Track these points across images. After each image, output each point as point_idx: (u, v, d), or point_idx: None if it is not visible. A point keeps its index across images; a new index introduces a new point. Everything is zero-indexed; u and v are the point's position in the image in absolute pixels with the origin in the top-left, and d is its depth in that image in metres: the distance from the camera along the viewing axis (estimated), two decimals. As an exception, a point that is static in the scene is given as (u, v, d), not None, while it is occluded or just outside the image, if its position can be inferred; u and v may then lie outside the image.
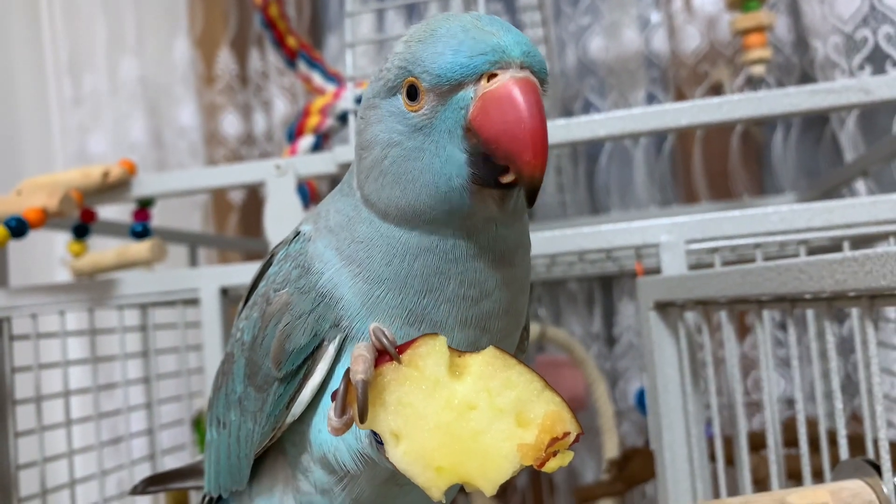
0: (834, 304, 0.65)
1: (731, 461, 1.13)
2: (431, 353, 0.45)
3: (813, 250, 0.93)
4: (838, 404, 0.66)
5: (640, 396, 1.57)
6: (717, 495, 0.90)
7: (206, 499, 0.64)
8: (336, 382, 0.52)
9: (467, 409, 0.44)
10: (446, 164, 0.48)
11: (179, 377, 1.30)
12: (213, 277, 1.04)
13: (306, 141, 1.25)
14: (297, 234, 0.57)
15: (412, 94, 0.49)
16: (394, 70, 0.50)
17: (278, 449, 0.57)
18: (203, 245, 1.65)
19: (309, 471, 0.54)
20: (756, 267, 0.71)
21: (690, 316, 0.87)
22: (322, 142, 1.27)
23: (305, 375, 0.53)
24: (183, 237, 1.51)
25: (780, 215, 0.90)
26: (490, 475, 0.43)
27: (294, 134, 1.28)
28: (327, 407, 0.52)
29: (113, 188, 1.04)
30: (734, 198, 1.72)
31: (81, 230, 1.10)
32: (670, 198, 1.77)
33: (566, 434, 0.44)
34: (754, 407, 1.65)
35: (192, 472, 0.73)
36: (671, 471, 0.87)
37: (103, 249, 1.15)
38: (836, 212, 0.89)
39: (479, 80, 0.47)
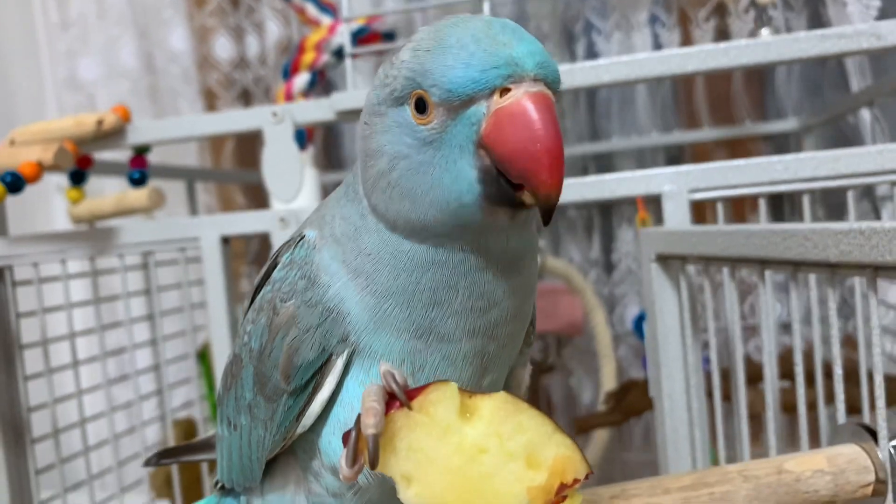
0: (837, 272, 0.64)
1: (728, 397, 1.15)
2: (442, 400, 0.45)
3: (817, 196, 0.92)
4: (838, 370, 0.67)
5: (638, 322, 1.59)
6: (713, 432, 0.93)
7: (219, 485, 0.65)
8: (346, 395, 0.52)
9: (478, 453, 0.44)
10: (457, 181, 0.46)
11: (182, 312, 1.32)
12: (214, 226, 1.03)
13: (302, 78, 1.23)
14: (302, 237, 0.56)
15: (421, 106, 0.47)
16: (401, 80, 0.48)
17: (290, 452, 0.58)
18: (200, 179, 1.64)
19: (320, 475, 0.55)
20: (760, 229, 0.71)
21: (692, 269, 0.87)
22: (318, 79, 1.24)
23: (314, 389, 0.52)
24: (180, 173, 1.50)
25: (785, 164, 0.89)
26: None
27: (289, 71, 1.25)
28: (337, 418, 0.53)
29: (107, 136, 1.02)
30: (736, 123, 1.70)
31: (78, 176, 1.09)
32: (671, 123, 1.75)
33: (576, 481, 0.44)
34: (750, 331, 1.67)
35: (204, 446, 0.74)
36: (669, 418, 0.89)
37: (102, 195, 1.14)
38: (843, 160, 0.88)
39: (491, 94, 0.45)
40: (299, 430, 0.54)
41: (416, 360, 0.51)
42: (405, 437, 0.45)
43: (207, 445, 0.73)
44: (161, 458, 0.75)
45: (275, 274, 0.56)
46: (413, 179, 0.48)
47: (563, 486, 0.44)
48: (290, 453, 0.58)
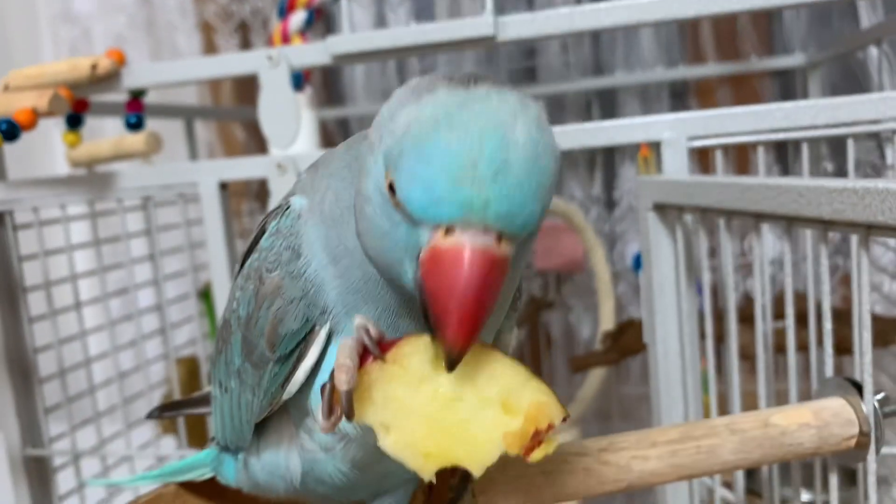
0: (830, 228, 0.65)
1: (721, 338, 1.17)
2: (415, 352, 0.46)
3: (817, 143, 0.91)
4: (828, 325, 0.68)
5: (638, 259, 1.60)
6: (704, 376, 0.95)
7: (216, 441, 0.67)
8: (329, 363, 0.53)
9: (453, 401, 0.45)
10: (402, 268, 0.45)
11: (183, 252, 1.33)
12: (212, 171, 1.03)
13: (298, 17, 1.20)
14: (288, 206, 0.55)
15: (393, 187, 0.43)
16: (381, 150, 0.45)
17: (283, 410, 0.59)
18: (200, 118, 1.62)
19: (313, 431, 0.56)
20: (755, 183, 0.71)
21: (689, 218, 0.87)
22: (314, 17, 1.22)
23: (299, 357, 0.53)
24: (178, 112, 1.49)
25: (785, 112, 0.88)
26: (477, 459, 0.44)
27: (285, 9, 1.22)
28: (322, 382, 0.54)
29: (102, 80, 1.01)
30: (742, 58, 1.67)
31: (75, 120, 1.08)
32: (677, 58, 1.72)
33: (550, 427, 0.45)
34: (747, 269, 1.68)
35: (204, 400, 0.76)
36: (663, 365, 0.91)
37: (103, 135, 1.14)
38: (844, 108, 0.87)
39: (437, 228, 0.42)
40: (284, 396, 0.55)
41: None
42: (381, 388, 0.45)
43: (206, 400, 0.75)
44: (164, 410, 0.76)
45: (262, 242, 0.56)
46: (381, 245, 0.46)
47: (538, 432, 0.44)
48: (283, 412, 0.59)
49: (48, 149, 1.86)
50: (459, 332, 0.42)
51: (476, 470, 0.44)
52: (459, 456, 0.44)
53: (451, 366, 0.44)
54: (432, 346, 0.46)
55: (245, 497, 0.71)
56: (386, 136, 0.44)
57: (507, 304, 0.56)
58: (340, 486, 0.57)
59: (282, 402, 0.56)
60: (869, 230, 0.60)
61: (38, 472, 1.15)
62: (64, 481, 1.19)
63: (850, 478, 1.11)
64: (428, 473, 0.44)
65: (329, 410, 0.46)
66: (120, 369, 1.22)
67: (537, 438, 0.44)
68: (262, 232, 0.57)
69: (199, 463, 0.69)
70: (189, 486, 0.69)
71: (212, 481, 0.70)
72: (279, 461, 0.59)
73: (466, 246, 0.41)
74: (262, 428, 0.60)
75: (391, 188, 0.43)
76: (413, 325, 0.50)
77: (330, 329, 0.52)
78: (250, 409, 0.58)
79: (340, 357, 0.46)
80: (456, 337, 0.42)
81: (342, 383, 0.45)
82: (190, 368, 1.48)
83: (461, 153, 0.41)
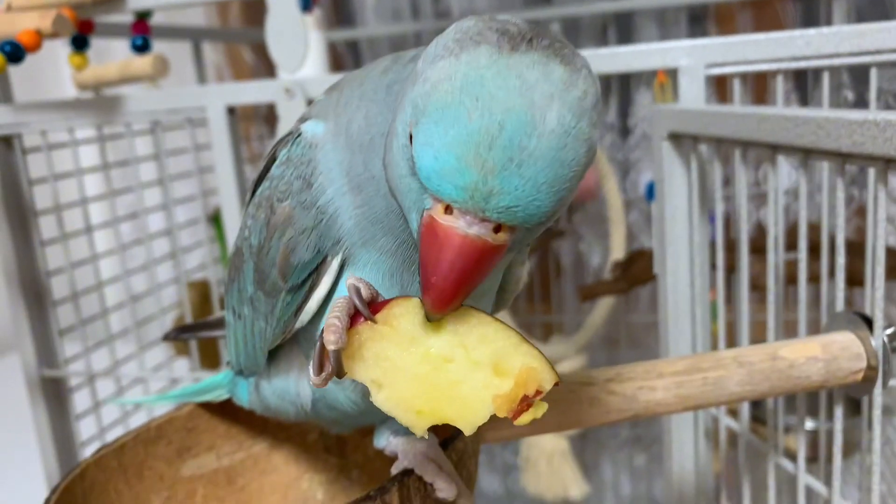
0: (848, 161, 0.63)
1: (732, 269, 1.16)
2: (405, 313, 0.46)
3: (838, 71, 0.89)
4: (840, 259, 0.67)
5: (651, 188, 1.59)
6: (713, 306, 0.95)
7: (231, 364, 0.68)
8: (342, 294, 0.53)
9: (444, 362, 0.45)
10: (413, 223, 0.45)
11: (192, 177, 1.32)
12: (219, 96, 1.02)
13: (307, -66, 1.16)
14: (300, 134, 0.53)
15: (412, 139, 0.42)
16: (413, 94, 0.42)
17: (293, 341, 0.59)
18: (207, 39, 1.59)
19: None
20: (773, 113, 0.69)
21: (704, 148, 0.86)
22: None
23: (311, 287, 0.53)
24: (186, 33, 1.46)
25: (807, 39, 0.85)
26: (468, 419, 0.45)
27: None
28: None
29: (107, 1, 0.99)
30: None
31: (80, 42, 1.06)
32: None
33: (539, 392, 0.45)
34: (761, 199, 1.66)
35: (220, 323, 0.76)
36: (672, 295, 0.91)
37: (109, 58, 1.12)
38: (868, 36, 0.84)
39: (438, 200, 0.41)
40: (297, 325, 0.55)
41: (403, 280, 0.51)
42: (371, 347, 0.46)
43: (221, 323, 0.75)
44: (179, 333, 0.77)
45: (273, 170, 0.55)
46: (396, 177, 0.45)
47: (527, 396, 0.45)
48: (293, 342, 0.59)
49: (55, 72, 1.84)
50: (438, 301, 0.43)
51: (467, 429, 0.45)
52: (450, 415, 0.45)
53: (430, 319, 0.45)
54: (422, 307, 0.46)
55: (257, 420, 0.72)
56: (420, 82, 0.42)
57: (505, 265, 0.56)
58: (351, 412, 0.58)
59: (294, 331, 0.56)
60: (888, 164, 0.59)
61: (54, 392, 1.18)
62: (80, 402, 1.22)
63: (853, 407, 1.12)
64: (420, 430, 0.45)
65: (319, 367, 0.46)
66: (132, 293, 1.23)
67: (526, 402, 0.45)
68: (272, 159, 0.56)
69: (215, 384, 0.70)
70: (203, 409, 0.70)
71: (224, 405, 0.71)
72: (289, 388, 0.60)
73: (459, 231, 0.40)
74: (273, 355, 0.61)
75: (411, 139, 0.42)
76: None
77: (343, 259, 0.52)
78: (263, 336, 0.58)
79: (330, 317, 0.46)
80: (434, 304, 0.43)
81: (330, 343, 0.45)
82: (202, 292, 1.50)
83: (477, 132, 0.38)
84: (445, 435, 0.56)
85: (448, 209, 0.41)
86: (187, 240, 1.45)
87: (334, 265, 0.52)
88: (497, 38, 0.40)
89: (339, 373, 0.46)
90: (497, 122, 0.38)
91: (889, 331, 0.64)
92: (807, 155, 0.67)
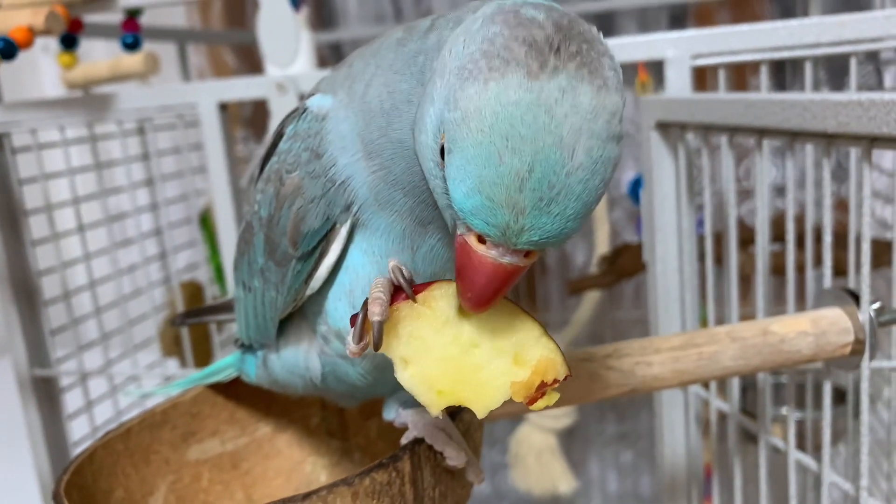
0: (834, 143, 0.65)
1: (720, 260, 1.19)
2: (445, 296, 0.48)
3: (820, 61, 0.91)
4: (827, 237, 0.69)
5: (633, 186, 1.61)
6: (704, 294, 0.96)
7: (239, 342, 0.69)
8: (350, 262, 0.55)
9: (471, 346, 0.48)
10: (447, 216, 0.47)
11: (183, 177, 1.32)
12: (211, 92, 1.03)
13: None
14: (305, 109, 0.55)
15: (443, 153, 0.43)
16: (442, 97, 0.43)
17: (301, 315, 0.61)
18: (192, 41, 1.60)
19: (329, 340, 0.58)
20: (760, 98, 0.71)
21: (691, 137, 0.88)
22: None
23: (321, 255, 0.54)
24: (171, 35, 1.46)
25: (789, 30, 0.88)
26: (483, 402, 0.47)
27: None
28: (342, 283, 0.55)
29: (97, -2, 1.00)
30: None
31: (70, 41, 1.07)
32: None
33: (555, 381, 0.48)
34: (745, 194, 1.69)
35: (223, 307, 0.78)
36: (662, 281, 0.92)
37: (91, 60, 1.12)
38: (848, 26, 0.87)
39: (471, 229, 0.43)
40: (308, 292, 0.57)
41: (414, 241, 0.53)
42: (407, 325, 0.48)
43: (227, 307, 0.77)
44: (187, 317, 0.79)
45: (280, 145, 0.57)
46: (426, 169, 0.47)
47: (543, 385, 0.47)
48: (301, 317, 0.61)
49: (36, 74, 1.83)
50: (476, 308, 0.46)
51: (480, 412, 0.47)
52: (468, 397, 0.47)
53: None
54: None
55: (261, 405, 0.73)
56: (450, 99, 0.42)
57: None
58: (361, 385, 0.59)
59: (305, 299, 0.57)
60: (872, 142, 0.61)
61: (46, 392, 1.17)
62: (72, 402, 1.22)
63: (839, 397, 1.15)
64: (436, 409, 0.47)
65: (360, 337, 0.48)
66: (122, 292, 1.23)
67: (541, 390, 0.48)
68: (279, 136, 0.57)
69: (225, 365, 0.72)
70: (207, 394, 0.71)
71: (228, 391, 0.72)
72: (298, 361, 0.61)
73: (491, 260, 0.43)
74: (282, 330, 0.62)
75: (442, 152, 0.43)
76: (442, 216, 0.51)
77: (353, 226, 0.53)
78: (274, 305, 0.59)
79: (374, 291, 0.48)
80: (472, 309, 0.46)
81: (375, 315, 0.47)
82: (192, 292, 1.50)
83: (508, 174, 0.40)
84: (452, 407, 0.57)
85: (481, 238, 0.43)
86: (177, 240, 1.46)
87: (343, 232, 0.53)
88: (524, 54, 0.40)
89: (378, 344, 0.47)
90: (527, 164, 0.40)
91: (875, 305, 0.66)
92: (793, 138, 0.69)
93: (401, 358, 0.48)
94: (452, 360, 0.47)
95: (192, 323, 0.81)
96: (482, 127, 0.40)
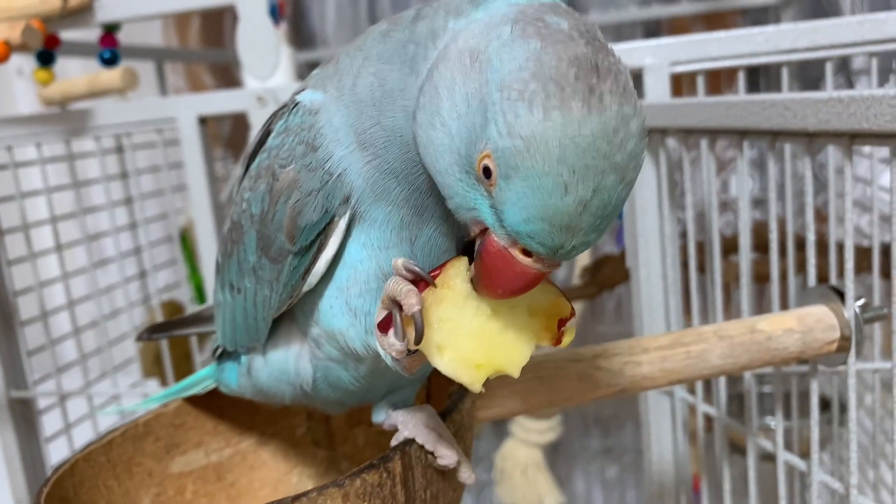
0: (815, 141, 0.66)
1: (703, 269, 1.19)
2: (458, 273, 0.49)
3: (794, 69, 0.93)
4: (810, 236, 0.70)
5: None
6: (687, 302, 0.97)
7: (219, 350, 0.68)
8: (348, 257, 0.54)
9: (492, 313, 0.49)
10: (462, 214, 0.48)
11: (160, 196, 1.31)
12: (191, 106, 1.02)
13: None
14: (296, 104, 0.54)
15: (487, 172, 0.43)
16: (485, 110, 0.43)
17: (291, 318, 0.60)
18: (169, 59, 1.60)
19: (320, 344, 0.57)
20: (741, 100, 0.72)
21: (671, 142, 0.89)
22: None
23: (319, 249, 0.54)
24: (148, 53, 1.46)
25: (766, 36, 0.89)
26: (515, 361, 0.48)
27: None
28: (340, 279, 0.54)
29: (74, 13, 0.99)
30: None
31: (46, 57, 1.06)
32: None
33: (565, 319, 0.50)
34: (722, 207, 1.71)
35: (194, 320, 0.76)
36: (646, 287, 0.93)
37: (66, 78, 1.11)
38: (822, 32, 0.88)
39: (516, 242, 0.44)
40: (305, 288, 0.56)
41: (412, 232, 0.53)
42: (434, 311, 0.48)
43: (197, 319, 0.75)
44: (152, 332, 0.77)
45: (269, 141, 0.56)
46: (442, 164, 0.46)
47: (561, 321, 0.50)
48: (291, 320, 0.60)
49: (10, 90, 1.81)
50: (499, 298, 0.48)
51: (514, 372, 0.48)
52: (501, 362, 0.48)
53: None
54: (468, 264, 0.50)
55: (245, 416, 0.72)
56: (500, 121, 0.41)
57: None
58: (354, 390, 0.58)
59: (301, 296, 0.56)
60: (853, 139, 0.62)
61: (23, 414, 1.15)
62: (49, 425, 1.19)
63: (823, 406, 1.15)
64: (478, 385, 0.47)
65: (403, 334, 0.48)
66: (102, 313, 1.21)
67: (560, 329, 0.50)
68: (266, 134, 0.57)
69: (201, 377, 0.70)
70: (190, 406, 0.70)
71: (210, 402, 0.71)
72: (288, 366, 0.60)
73: (531, 270, 0.45)
74: (270, 334, 0.61)
75: (485, 171, 0.43)
76: (439, 204, 0.51)
77: (352, 216, 0.53)
78: (267, 304, 0.58)
79: (400, 287, 0.48)
80: (494, 297, 0.48)
81: (414, 306, 0.47)
82: (172, 311, 1.48)
83: (573, 203, 0.41)
84: (440, 408, 0.57)
85: (525, 250, 0.44)
86: (156, 259, 1.44)
87: (341, 225, 0.53)
88: (574, 77, 0.41)
89: (420, 336, 0.47)
90: (591, 192, 0.41)
91: (860, 302, 0.66)
92: (774, 138, 0.70)
93: (436, 346, 0.48)
94: (480, 331, 0.48)
95: (160, 338, 0.79)
96: (548, 159, 0.41)
